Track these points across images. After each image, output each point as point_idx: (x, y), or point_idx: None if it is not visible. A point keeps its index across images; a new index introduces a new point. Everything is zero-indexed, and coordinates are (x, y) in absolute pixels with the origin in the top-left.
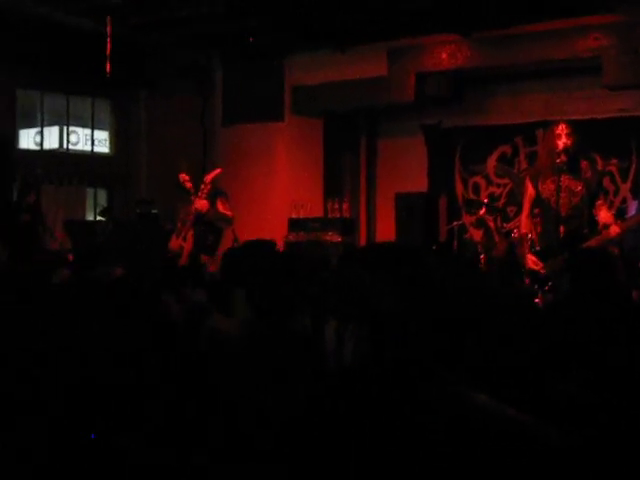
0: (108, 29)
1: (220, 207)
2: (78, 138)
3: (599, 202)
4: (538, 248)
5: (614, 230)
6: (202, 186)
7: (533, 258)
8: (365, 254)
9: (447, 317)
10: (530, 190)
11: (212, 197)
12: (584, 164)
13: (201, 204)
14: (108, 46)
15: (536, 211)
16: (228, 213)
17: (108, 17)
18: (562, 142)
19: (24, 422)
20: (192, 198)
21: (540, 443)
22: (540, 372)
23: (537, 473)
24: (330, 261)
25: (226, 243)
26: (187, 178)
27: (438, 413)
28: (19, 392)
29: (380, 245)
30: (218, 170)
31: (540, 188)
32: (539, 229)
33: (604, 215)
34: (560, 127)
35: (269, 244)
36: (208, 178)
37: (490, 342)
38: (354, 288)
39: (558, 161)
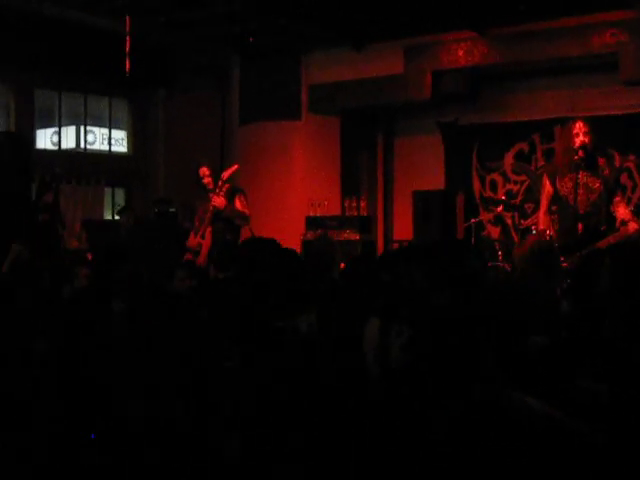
0: (127, 29)
1: (238, 205)
2: (95, 138)
3: (617, 199)
4: (556, 245)
5: (632, 226)
6: (219, 183)
7: None
8: (412, 252)
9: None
10: (548, 187)
11: (230, 195)
12: (601, 161)
13: (218, 201)
14: (127, 45)
15: (554, 208)
16: (245, 211)
17: (127, 17)
18: (579, 139)
19: (24, 422)
20: (210, 195)
21: (586, 442)
22: (567, 368)
23: (583, 469)
24: (335, 259)
25: None
26: (207, 173)
27: (495, 415)
28: (19, 392)
29: (426, 243)
30: (235, 166)
31: (558, 185)
32: (557, 226)
33: (622, 211)
34: (577, 125)
35: (269, 242)
36: (225, 175)
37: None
38: (406, 287)
39: (576, 158)
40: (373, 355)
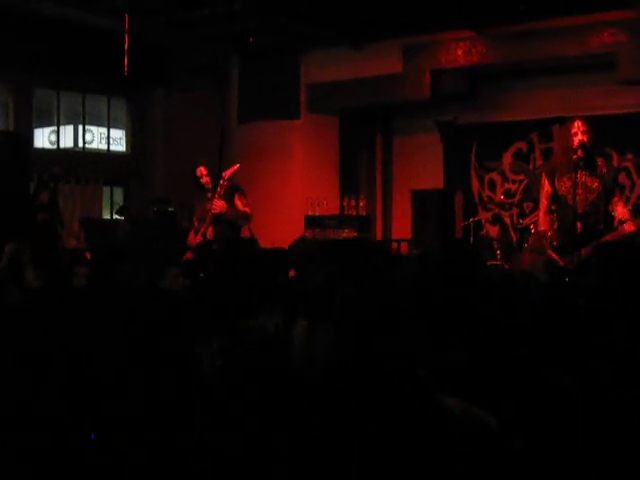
0: (126, 28)
1: (239, 204)
2: (93, 137)
3: (615, 198)
4: (556, 244)
5: (629, 226)
6: (221, 182)
7: (553, 254)
8: (328, 251)
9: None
10: (547, 187)
11: (230, 194)
12: (600, 160)
13: (219, 205)
14: (126, 44)
15: (553, 207)
16: (247, 210)
17: (126, 16)
18: (578, 139)
19: (25, 422)
20: (209, 195)
21: (502, 444)
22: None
23: (498, 471)
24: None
25: None
26: (205, 172)
27: (414, 415)
28: (22, 391)
29: (342, 241)
30: (236, 166)
31: (556, 185)
32: (556, 226)
33: (621, 211)
34: (576, 124)
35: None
36: (227, 174)
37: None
38: (326, 286)
39: (574, 158)
40: (300, 355)
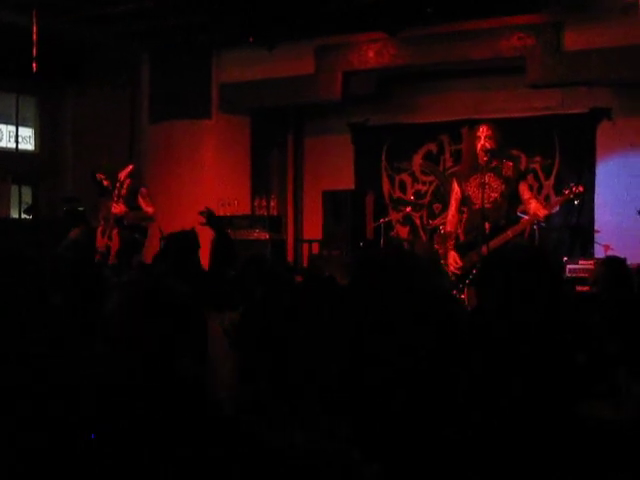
0: (34, 24)
1: (142, 203)
2: (2, 135)
3: (526, 196)
4: (462, 242)
5: (542, 213)
6: (117, 185)
7: (455, 256)
8: None
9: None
10: (457, 190)
11: (132, 194)
12: (507, 163)
13: (119, 209)
14: (34, 41)
15: (463, 209)
16: (149, 210)
17: (34, 12)
18: (481, 144)
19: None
20: (113, 196)
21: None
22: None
23: None
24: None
25: (153, 239)
26: (103, 176)
27: None
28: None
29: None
30: (130, 167)
31: (464, 187)
32: (463, 225)
33: (534, 206)
34: (481, 129)
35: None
36: (122, 175)
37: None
38: None
39: (480, 161)
40: None
